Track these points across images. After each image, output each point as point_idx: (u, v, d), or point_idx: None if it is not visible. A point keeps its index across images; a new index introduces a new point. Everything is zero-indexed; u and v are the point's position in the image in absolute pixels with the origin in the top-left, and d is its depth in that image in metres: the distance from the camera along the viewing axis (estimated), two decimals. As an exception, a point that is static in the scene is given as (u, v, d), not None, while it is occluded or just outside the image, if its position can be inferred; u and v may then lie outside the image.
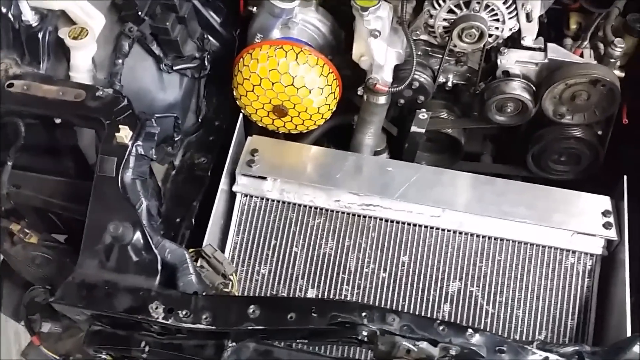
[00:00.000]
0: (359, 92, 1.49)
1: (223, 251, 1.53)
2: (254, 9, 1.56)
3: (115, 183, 1.22)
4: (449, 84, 1.59)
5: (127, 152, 1.23)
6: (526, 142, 1.66)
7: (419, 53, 1.51)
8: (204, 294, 1.22)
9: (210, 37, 1.57)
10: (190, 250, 1.34)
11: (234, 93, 1.57)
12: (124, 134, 1.22)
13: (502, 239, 1.49)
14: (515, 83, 1.50)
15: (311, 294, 1.51)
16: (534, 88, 1.50)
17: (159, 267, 1.21)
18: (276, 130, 1.64)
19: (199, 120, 1.61)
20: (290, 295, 1.50)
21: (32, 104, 1.29)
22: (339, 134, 1.79)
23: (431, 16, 1.46)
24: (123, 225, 1.19)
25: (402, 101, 1.55)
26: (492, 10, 1.42)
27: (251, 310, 1.14)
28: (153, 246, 1.20)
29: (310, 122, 1.58)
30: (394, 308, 1.49)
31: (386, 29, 1.40)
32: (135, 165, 1.26)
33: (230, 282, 1.32)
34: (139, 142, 1.26)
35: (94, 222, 1.22)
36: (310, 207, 1.53)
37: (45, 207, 1.47)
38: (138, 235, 1.20)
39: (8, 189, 1.40)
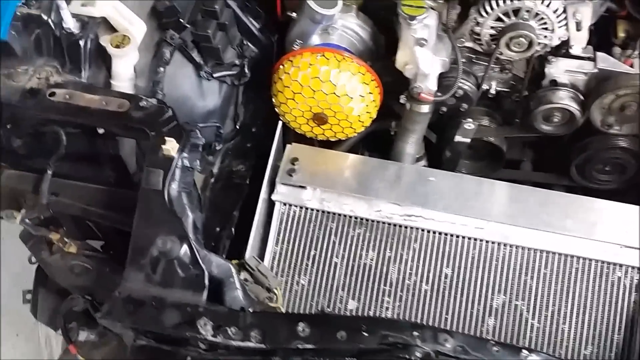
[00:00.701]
0: (401, 101, 1.46)
1: (262, 261, 1.51)
2: (294, 14, 1.52)
3: (161, 196, 1.19)
4: (492, 91, 1.56)
5: (174, 165, 1.20)
6: (569, 151, 1.63)
7: (463, 60, 1.48)
8: (250, 309, 1.20)
9: (249, 43, 1.54)
10: (234, 262, 1.33)
11: (274, 100, 1.54)
12: (171, 146, 1.19)
13: (547, 252, 1.46)
14: (562, 92, 1.46)
15: (352, 305, 1.48)
16: (581, 97, 1.47)
17: (206, 282, 1.19)
18: (314, 137, 1.61)
19: (237, 127, 1.58)
20: (331, 307, 1.48)
21: (74, 113, 1.27)
22: (374, 140, 1.76)
23: (478, 23, 1.43)
24: (170, 240, 1.18)
25: (444, 109, 1.51)
26: (542, 18, 1.38)
27: (300, 328, 1.12)
28: (200, 260, 1.19)
29: (350, 129, 1.55)
30: (437, 321, 1.46)
31: (432, 38, 1.37)
32: (181, 177, 1.23)
33: (275, 296, 1.30)
34: (185, 154, 1.23)
35: (140, 236, 1.20)
36: (351, 216, 1.50)
37: (83, 215, 1.46)
38: (185, 249, 1.18)
39: (48, 198, 1.38)
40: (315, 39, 1.55)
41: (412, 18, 1.31)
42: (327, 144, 1.67)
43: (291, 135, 1.66)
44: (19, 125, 1.37)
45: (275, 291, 1.30)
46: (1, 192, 1.45)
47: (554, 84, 1.46)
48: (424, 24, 1.33)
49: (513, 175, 1.73)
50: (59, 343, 2.08)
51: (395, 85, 1.55)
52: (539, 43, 1.41)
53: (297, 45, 1.55)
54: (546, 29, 1.40)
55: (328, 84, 1.43)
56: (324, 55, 1.44)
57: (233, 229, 1.52)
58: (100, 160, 1.41)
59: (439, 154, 1.67)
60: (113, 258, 1.53)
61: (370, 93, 1.49)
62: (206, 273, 1.19)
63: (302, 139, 1.64)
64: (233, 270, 1.23)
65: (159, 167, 1.20)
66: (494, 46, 1.44)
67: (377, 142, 1.75)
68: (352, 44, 1.58)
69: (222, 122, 1.58)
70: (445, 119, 1.64)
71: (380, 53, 1.63)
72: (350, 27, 1.57)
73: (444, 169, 1.60)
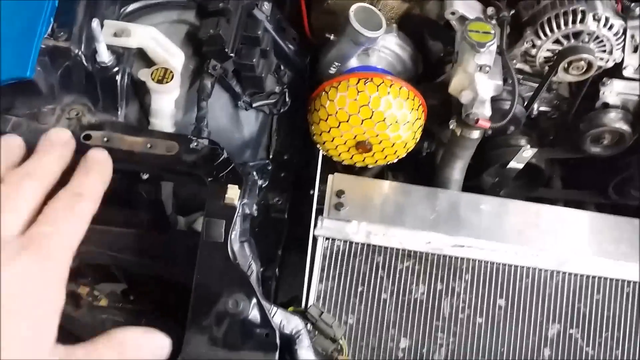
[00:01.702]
0: (451, 126, 1.39)
1: (306, 300, 1.41)
2: (332, 36, 1.42)
3: (224, 249, 1.08)
4: (535, 111, 1.52)
5: (236, 214, 1.09)
6: (607, 169, 1.60)
7: (510, 82, 1.42)
8: (325, 367, 1.12)
9: (285, 69, 1.43)
10: (291, 309, 1.23)
11: (312, 128, 1.44)
12: (233, 194, 1.08)
13: (599, 277, 1.43)
14: (614, 114, 1.43)
15: (404, 344, 1.41)
16: (631, 118, 1.44)
17: (278, 342, 1.09)
18: (352, 164, 1.53)
19: (270, 156, 1.47)
20: (382, 346, 1.41)
21: (116, 158, 1.12)
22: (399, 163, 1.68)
23: (534, 46, 1.37)
24: (236, 297, 1.06)
25: (490, 131, 1.46)
26: (601, 41, 1.34)
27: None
28: (270, 318, 1.09)
29: (393, 156, 1.47)
30: (492, 356, 1.42)
31: (492, 62, 1.31)
32: (242, 225, 1.13)
33: (342, 347, 1.22)
34: (245, 200, 1.12)
35: (202, 294, 1.08)
36: (399, 249, 1.42)
37: (113, 263, 1.32)
38: (254, 307, 1.07)
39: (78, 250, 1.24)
40: (354, 62, 1.46)
41: (482, 45, 1.24)
42: (351, 167, 1.60)
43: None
44: (43, 169, 1.23)
45: (341, 341, 1.22)
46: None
47: (606, 105, 1.43)
48: (490, 50, 1.26)
49: (545, 194, 1.70)
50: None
51: (437, 109, 1.48)
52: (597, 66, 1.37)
53: (335, 67, 1.45)
54: (604, 51, 1.36)
55: (378, 112, 1.35)
56: (372, 81, 1.35)
57: (277, 270, 1.42)
58: (134, 203, 1.28)
59: (475, 175, 1.61)
60: (143, 307, 1.42)
61: (419, 119, 1.41)
62: (277, 331, 1.09)
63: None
64: (302, 325, 1.14)
65: (220, 217, 1.08)
66: (547, 68, 1.39)
67: (400, 164, 1.68)
68: (391, 64, 1.50)
69: (256, 152, 1.46)
70: (483, 140, 1.58)
71: (419, 73, 1.55)
72: (389, 47, 1.48)
73: (487, 194, 1.55)
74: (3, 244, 0.66)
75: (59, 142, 0.94)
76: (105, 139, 1.15)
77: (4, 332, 0.63)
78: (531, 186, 1.65)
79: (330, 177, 1.44)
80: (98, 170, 0.94)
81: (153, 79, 1.17)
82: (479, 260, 1.42)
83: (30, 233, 0.69)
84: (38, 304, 0.69)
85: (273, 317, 1.11)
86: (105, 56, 1.14)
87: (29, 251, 0.68)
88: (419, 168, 1.72)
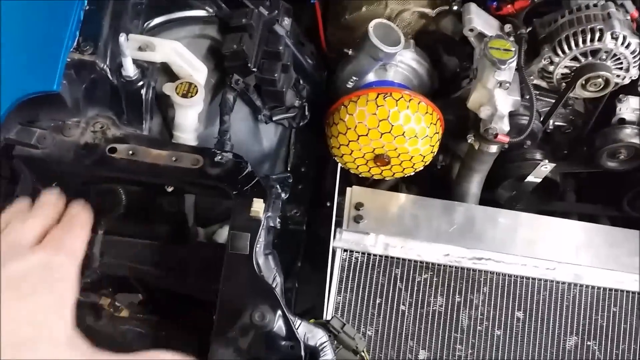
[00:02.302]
0: (469, 140, 1.40)
1: (321, 313, 1.42)
2: (350, 51, 1.44)
3: (250, 262, 1.09)
4: (550, 126, 1.53)
5: (261, 227, 1.10)
6: (621, 183, 1.62)
7: (527, 97, 1.43)
8: (349, 380, 1.12)
9: (304, 83, 1.44)
10: (312, 321, 1.23)
11: (330, 142, 1.45)
12: (258, 207, 1.09)
13: (616, 290, 1.44)
14: (629, 130, 1.45)
15: (422, 356, 1.42)
16: (647, 134, 1.46)
17: (302, 354, 1.09)
18: (370, 177, 1.54)
19: (288, 169, 1.48)
20: (400, 358, 1.41)
21: (141, 172, 1.14)
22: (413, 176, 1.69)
23: (551, 62, 1.39)
24: (262, 310, 1.07)
25: (506, 146, 1.47)
26: (619, 59, 1.36)
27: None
28: (295, 330, 1.09)
29: (410, 169, 1.48)
30: (511, 368, 1.42)
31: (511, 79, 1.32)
32: (266, 238, 1.13)
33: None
34: (270, 213, 1.13)
35: (228, 306, 1.08)
36: (417, 261, 1.43)
37: (132, 275, 1.33)
38: (279, 319, 1.08)
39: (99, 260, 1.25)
40: (371, 76, 1.48)
41: (503, 62, 1.26)
42: (365, 179, 1.61)
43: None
44: (67, 182, 1.23)
45: (363, 354, 1.22)
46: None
47: (622, 121, 1.45)
48: (510, 67, 1.28)
49: (560, 207, 1.71)
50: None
51: (453, 123, 1.50)
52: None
53: (352, 82, 1.47)
54: (621, 68, 1.38)
55: (397, 126, 1.36)
56: (391, 96, 1.36)
57: (297, 284, 1.42)
58: (157, 215, 1.29)
59: (489, 190, 1.62)
60: (162, 318, 1.42)
61: (436, 133, 1.42)
62: (302, 344, 1.09)
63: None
64: (326, 337, 1.14)
65: (245, 230, 1.09)
66: (564, 84, 1.41)
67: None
68: (408, 79, 1.52)
69: (274, 164, 1.48)
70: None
71: (435, 88, 1.57)
72: (406, 62, 1.50)
73: (502, 207, 1.55)
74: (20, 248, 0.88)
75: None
76: (131, 152, 1.16)
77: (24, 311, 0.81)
78: (545, 199, 1.66)
79: (348, 189, 1.45)
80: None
81: (178, 93, 1.18)
82: (496, 273, 1.43)
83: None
84: (54, 287, 0.87)
85: (297, 329, 1.12)
86: (130, 70, 1.15)
87: (43, 248, 0.89)
88: (432, 180, 1.73)
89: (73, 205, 1.03)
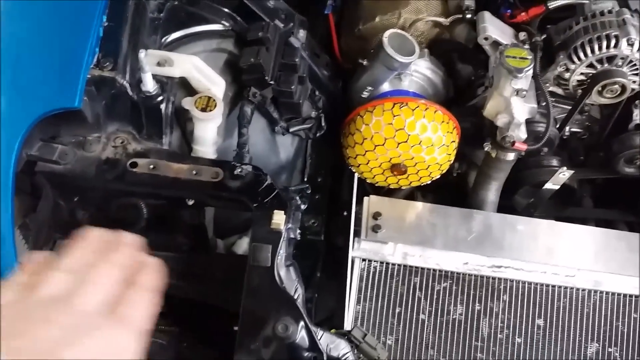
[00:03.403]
0: (486, 149, 1.40)
1: (340, 322, 1.42)
2: (365, 62, 1.45)
3: (271, 274, 1.09)
4: (566, 132, 1.53)
5: (282, 239, 1.11)
6: (637, 188, 1.61)
7: (543, 104, 1.43)
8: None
9: (320, 94, 1.45)
10: (333, 331, 1.24)
11: (347, 152, 1.46)
12: (279, 219, 1.10)
13: (636, 296, 1.44)
14: (647, 135, 1.45)
15: (443, 364, 1.42)
16: (664, 139, 1.46)
17: (325, 365, 1.10)
18: (386, 186, 1.54)
19: (305, 179, 1.49)
20: (421, 367, 1.41)
21: (163, 185, 1.15)
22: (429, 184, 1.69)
23: (567, 70, 1.39)
24: (285, 322, 1.07)
25: (523, 153, 1.47)
26: (634, 65, 1.36)
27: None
28: (318, 341, 1.09)
29: (427, 177, 1.49)
30: (532, 376, 1.42)
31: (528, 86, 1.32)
32: (287, 249, 1.14)
33: (386, 370, 1.22)
34: (290, 225, 1.14)
35: (250, 318, 1.09)
36: (436, 270, 1.43)
37: (154, 288, 1.34)
38: (302, 330, 1.08)
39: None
40: (386, 86, 1.49)
41: (520, 71, 1.26)
42: (380, 188, 1.61)
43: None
44: (88, 197, 1.25)
45: (385, 363, 1.22)
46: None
47: (639, 127, 1.44)
48: (526, 75, 1.28)
49: (577, 213, 1.70)
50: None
51: (469, 131, 1.50)
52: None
53: (367, 92, 1.48)
54: (637, 74, 1.38)
55: (414, 135, 1.36)
56: (407, 105, 1.37)
57: (316, 294, 1.42)
58: (177, 227, 1.30)
59: (506, 197, 1.61)
60: (183, 330, 1.43)
61: (453, 141, 1.43)
62: (325, 355, 1.10)
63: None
64: (348, 348, 1.15)
65: (266, 242, 1.10)
66: (580, 91, 1.41)
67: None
68: (423, 88, 1.52)
69: (291, 175, 1.49)
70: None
71: (450, 96, 1.57)
72: (421, 71, 1.51)
73: (520, 214, 1.55)
74: (89, 316, 0.68)
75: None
76: (152, 167, 1.17)
77: None
78: (563, 205, 1.65)
79: (365, 199, 1.45)
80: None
81: (197, 107, 1.19)
82: (516, 281, 1.43)
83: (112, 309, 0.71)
84: None
85: (320, 340, 1.12)
86: (150, 85, 1.16)
87: (111, 320, 0.69)
88: (448, 188, 1.73)
89: (143, 258, 0.83)
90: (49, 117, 1.14)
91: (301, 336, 1.08)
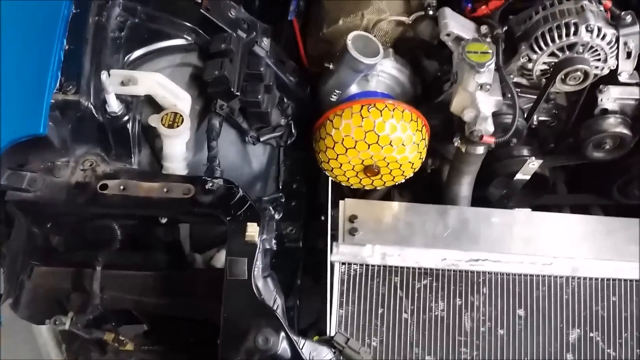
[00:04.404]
0: (455, 144, 1.41)
1: (325, 327, 1.42)
2: (331, 65, 1.45)
3: (249, 286, 1.10)
4: (535, 122, 1.55)
5: (257, 251, 1.11)
6: (609, 172, 1.63)
7: (509, 96, 1.45)
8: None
9: (288, 101, 1.46)
10: (316, 338, 1.24)
11: (319, 156, 1.46)
12: (253, 231, 1.10)
13: (614, 279, 1.45)
14: (613, 119, 1.46)
15: (429, 361, 1.43)
16: (630, 122, 1.47)
17: (309, 374, 1.11)
18: (361, 188, 1.55)
19: (279, 187, 1.49)
20: (407, 365, 1.42)
21: (134, 206, 1.15)
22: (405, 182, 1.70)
23: (530, 60, 1.40)
24: (265, 333, 1.08)
25: (492, 145, 1.48)
26: (595, 50, 1.38)
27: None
28: (300, 350, 1.10)
29: (400, 177, 1.49)
30: (516, 365, 1.43)
31: (491, 80, 1.34)
32: (263, 261, 1.14)
33: (371, 372, 1.23)
34: (265, 236, 1.14)
35: (231, 332, 1.10)
36: (415, 268, 1.44)
37: (135, 307, 1.33)
38: (283, 341, 1.09)
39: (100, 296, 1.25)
40: (354, 88, 1.49)
41: (482, 65, 1.27)
42: (357, 189, 1.62)
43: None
44: (61, 222, 1.24)
45: (370, 366, 1.23)
46: (38, 294, 1.30)
47: (605, 112, 1.46)
48: (489, 68, 1.29)
49: (552, 200, 1.72)
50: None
51: (439, 127, 1.51)
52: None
53: (335, 95, 1.48)
54: (599, 60, 1.40)
55: (384, 136, 1.37)
56: (375, 106, 1.38)
57: (298, 301, 1.42)
58: (153, 246, 1.30)
59: (480, 189, 1.63)
60: (168, 348, 1.43)
61: (423, 139, 1.44)
62: (308, 363, 1.10)
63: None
64: (331, 355, 1.16)
65: (242, 255, 1.11)
66: (544, 80, 1.42)
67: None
68: (391, 88, 1.53)
69: (266, 184, 1.49)
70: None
71: (418, 94, 1.58)
72: (387, 71, 1.51)
73: (494, 206, 1.57)
74: None
75: None
76: (122, 187, 1.17)
77: None
78: (537, 194, 1.67)
79: (341, 202, 1.46)
80: None
81: (164, 124, 1.19)
82: (495, 273, 1.44)
83: None
84: None
85: (302, 349, 1.13)
86: (115, 106, 1.16)
87: None
88: (424, 185, 1.74)
89: None
90: (16, 146, 1.13)
91: (283, 347, 1.09)
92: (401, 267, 1.44)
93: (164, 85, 1.21)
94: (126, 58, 1.28)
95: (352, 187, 1.54)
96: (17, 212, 1.19)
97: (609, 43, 1.37)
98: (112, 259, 1.26)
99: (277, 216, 1.35)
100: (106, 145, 1.20)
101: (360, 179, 1.49)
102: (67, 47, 1.19)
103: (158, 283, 1.30)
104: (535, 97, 1.49)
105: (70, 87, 1.15)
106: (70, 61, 1.18)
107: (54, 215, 1.21)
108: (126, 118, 1.18)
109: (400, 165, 1.44)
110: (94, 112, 1.16)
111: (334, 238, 1.44)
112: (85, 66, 1.19)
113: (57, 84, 1.16)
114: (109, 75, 1.15)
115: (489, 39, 1.41)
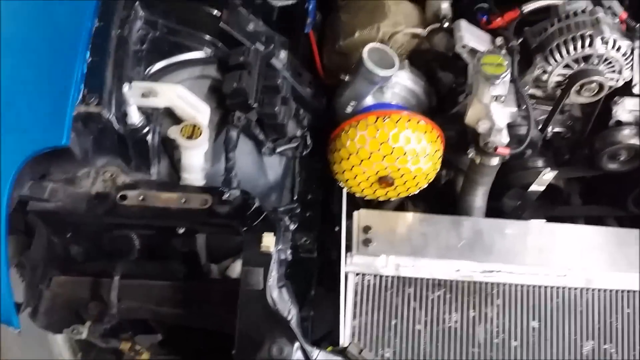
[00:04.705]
0: (470, 155, 1.42)
1: (338, 337, 1.43)
2: (346, 77, 1.47)
3: (263, 296, 1.11)
4: (549, 133, 1.55)
5: (273, 261, 1.12)
6: (624, 183, 1.63)
7: (524, 107, 1.45)
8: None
9: (305, 112, 1.47)
10: (329, 349, 1.25)
11: (334, 168, 1.48)
12: (268, 241, 1.12)
13: (628, 291, 1.46)
14: (627, 131, 1.47)
15: (442, 373, 1.43)
16: (644, 133, 1.48)
17: (323, 384, 1.12)
18: (374, 199, 1.56)
19: (294, 198, 1.51)
20: (420, 377, 1.43)
21: (153, 216, 1.17)
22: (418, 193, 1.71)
23: (545, 72, 1.41)
24: (280, 344, 1.09)
25: (507, 157, 1.49)
26: (610, 62, 1.38)
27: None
28: (314, 361, 1.11)
29: (414, 187, 1.50)
30: (529, 379, 1.43)
31: (506, 92, 1.35)
32: (278, 271, 1.16)
33: (384, 383, 1.24)
34: (280, 246, 1.16)
35: (245, 342, 1.11)
36: (429, 279, 1.45)
37: (152, 317, 1.35)
38: (297, 352, 1.10)
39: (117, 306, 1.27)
40: (369, 100, 1.51)
41: (497, 77, 1.29)
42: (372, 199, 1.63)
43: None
44: (81, 232, 1.27)
45: (383, 377, 1.24)
46: (56, 303, 1.32)
47: (619, 123, 1.46)
48: (504, 80, 1.30)
49: (566, 211, 1.72)
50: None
51: (454, 139, 1.52)
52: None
53: (351, 106, 1.49)
54: (614, 71, 1.40)
55: (399, 147, 1.38)
56: (390, 118, 1.39)
57: (312, 312, 1.44)
58: (170, 256, 1.31)
59: (495, 200, 1.63)
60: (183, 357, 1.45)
61: (437, 150, 1.45)
62: (322, 374, 1.12)
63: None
64: (345, 364, 1.17)
65: (257, 265, 1.12)
66: (559, 91, 1.43)
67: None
68: (406, 99, 1.54)
69: (281, 195, 1.50)
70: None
71: (432, 105, 1.59)
72: (403, 83, 1.53)
73: (508, 217, 1.57)
74: None
75: None
76: (141, 198, 1.19)
77: None
78: (551, 205, 1.67)
79: (355, 213, 1.47)
80: None
81: (183, 136, 1.21)
82: (508, 284, 1.44)
83: None
84: None
85: (316, 359, 1.14)
86: (135, 118, 1.19)
87: None
88: (438, 196, 1.75)
89: None
90: (38, 156, 1.16)
91: (297, 357, 1.10)
92: (415, 278, 1.45)
93: (184, 97, 1.24)
94: (147, 70, 1.31)
95: (366, 198, 1.55)
96: (38, 222, 1.21)
97: (624, 55, 1.38)
98: (129, 269, 1.28)
99: (292, 227, 1.36)
100: (126, 157, 1.22)
101: (375, 190, 1.51)
102: (90, 60, 1.21)
103: (174, 293, 1.31)
104: (550, 108, 1.50)
105: (93, 99, 1.17)
106: (93, 73, 1.21)
107: (74, 225, 1.24)
108: (146, 130, 1.20)
109: (415, 176, 1.45)
110: (115, 124, 1.18)
111: (348, 249, 1.45)
112: (107, 78, 1.21)
113: (80, 96, 1.18)
114: (131, 87, 1.17)
115: (504, 51, 1.42)
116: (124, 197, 1.18)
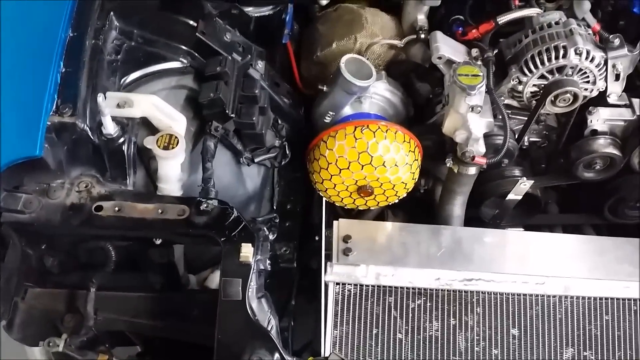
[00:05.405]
0: (448, 164, 1.43)
1: (319, 347, 1.42)
2: (325, 87, 1.47)
3: (243, 307, 1.10)
4: (526, 142, 1.57)
5: (251, 271, 1.11)
6: (600, 192, 1.65)
7: (500, 117, 1.47)
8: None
9: (283, 122, 1.47)
10: (310, 359, 1.24)
11: (314, 177, 1.47)
12: (247, 251, 1.11)
13: (607, 298, 1.46)
14: (602, 140, 1.49)
15: (423, 381, 1.43)
16: (620, 143, 1.49)
17: (303, 395, 1.11)
18: (354, 208, 1.56)
19: (274, 207, 1.50)
20: (401, 387, 1.42)
21: (129, 227, 1.16)
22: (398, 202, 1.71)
23: (520, 82, 1.43)
24: (260, 354, 1.08)
25: (484, 166, 1.50)
26: (584, 73, 1.40)
27: None
28: (294, 372, 1.10)
29: (394, 197, 1.51)
30: (510, 386, 1.43)
31: (482, 102, 1.36)
32: (257, 281, 1.15)
33: (365, 393, 1.23)
34: (259, 257, 1.15)
35: (225, 353, 1.09)
36: (409, 288, 1.45)
37: (129, 329, 1.33)
38: (277, 362, 1.09)
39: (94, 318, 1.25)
40: (347, 110, 1.51)
41: (472, 88, 1.30)
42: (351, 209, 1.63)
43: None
44: (55, 244, 1.24)
45: (364, 387, 1.23)
46: (32, 315, 1.30)
47: (594, 133, 1.48)
48: (480, 91, 1.32)
49: (544, 220, 1.74)
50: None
51: (431, 148, 1.53)
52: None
53: (329, 117, 1.50)
54: (587, 82, 1.42)
55: (377, 157, 1.39)
56: (368, 128, 1.39)
57: (292, 322, 1.42)
58: (147, 267, 1.30)
59: (473, 208, 1.64)
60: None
61: (416, 160, 1.45)
62: (302, 385, 1.10)
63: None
64: (326, 374, 1.16)
65: (236, 275, 1.11)
66: (534, 102, 1.45)
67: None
68: (384, 109, 1.55)
69: (260, 205, 1.50)
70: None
71: (410, 115, 1.60)
72: (380, 93, 1.54)
73: (486, 226, 1.58)
74: None
75: None
76: (117, 209, 1.17)
77: None
78: (529, 214, 1.68)
79: (335, 223, 1.47)
80: None
81: (159, 146, 1.20)
82: (488, 293, 1.44)
83: None
84: None
85: (297, 370, 1.13)
86: (111, 128, 1.17)
87: None
88: (417, 205, 1.75)
89: None
90: (11, 167, 1.14)
91: (276, 367, 1.09)
92: (395, 287, 1.45)
93: (160, 107, 1.23)
94: (122, 80, 1.30)
95: (345, 207, 1.55)
96: (11, 233, 1.19)
97: (597, 65, 1.40)
98: (106, 281, 1.26)
99: (271, 237, 1.36)
100: (101, 167, 1.21)
101: (354, 200, 1.51)
102: (63, 70, 1.20)
103: (152, 304, 1.30)
104: (526, 118, 1.52)
105: (67, 109, 1.16)
106: (67, 84, 1.20)
107: (48, 236, 1.22)
108: (122, 140, 1.19)
109: (394, 185, 1.46)
110: (89, 134, 1.17)
111: (328, 258, 1.45)
112: (81, 89, 1.20)
113: (54, 106, 1.17)
114: (105, 97, 1.16)
115: (479, 62, 1.44)
116: (99, 208, 1.16)
